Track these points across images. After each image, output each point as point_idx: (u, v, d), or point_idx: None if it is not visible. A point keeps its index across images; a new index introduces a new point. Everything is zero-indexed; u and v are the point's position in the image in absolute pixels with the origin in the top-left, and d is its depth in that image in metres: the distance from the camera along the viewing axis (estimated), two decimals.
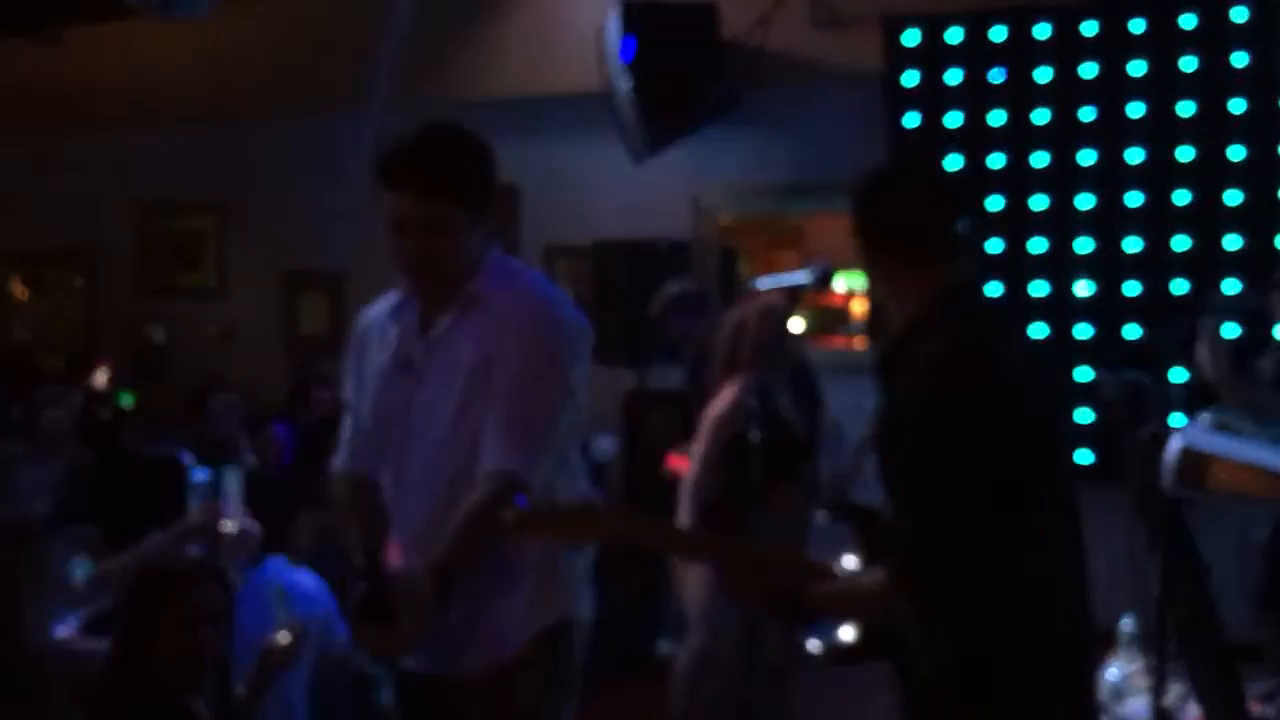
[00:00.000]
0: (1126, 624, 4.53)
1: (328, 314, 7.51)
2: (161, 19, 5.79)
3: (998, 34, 5.34)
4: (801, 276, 3.07)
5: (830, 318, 6.54)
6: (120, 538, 3.44)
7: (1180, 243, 5.07)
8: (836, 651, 2.14)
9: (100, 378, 5.65)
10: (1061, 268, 5.25)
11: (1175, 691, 4.16)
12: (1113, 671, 3.96)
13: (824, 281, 3.03)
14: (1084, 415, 5.13)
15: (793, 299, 3.10)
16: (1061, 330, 5.24)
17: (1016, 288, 5.30)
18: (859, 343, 6.52)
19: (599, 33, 5.65)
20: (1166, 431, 3.81)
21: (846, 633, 2.12)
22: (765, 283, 3.33)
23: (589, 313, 2.48)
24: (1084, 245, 5.22)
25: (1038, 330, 5.26)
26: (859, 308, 6.55)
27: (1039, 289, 5.30)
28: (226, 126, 7.43)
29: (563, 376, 2.31)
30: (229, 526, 3.20)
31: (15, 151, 7.85)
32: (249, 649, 2.91)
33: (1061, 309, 5.26)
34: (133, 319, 8.12)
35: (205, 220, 7.92)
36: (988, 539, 1.89)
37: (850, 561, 2.15)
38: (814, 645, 2.17)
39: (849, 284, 6.25)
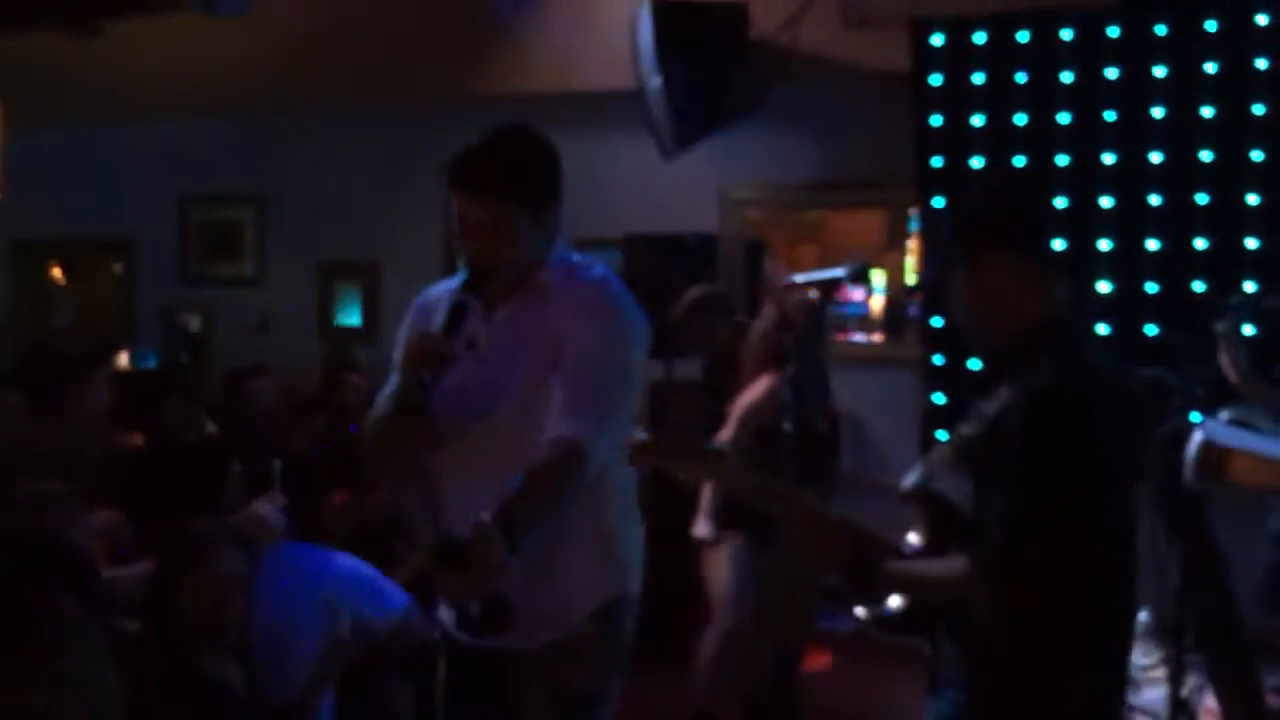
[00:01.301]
0: (1143, 616, 4.63)
1: (361, 303, 7.67)
2: (203, 14, 5.92)
3: (1022, 36, 5.42)
4: (838, 272, 3.19)
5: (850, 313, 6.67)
6: (154, 523, 3.49)
7: (1200, 243, 5.16)
8: (882, 620, 2.27)
9: (121, 361, 5.78)
10: (1082, 267, 5.34)
11: (1192, 682, 4.27)
12: (1130, 662, 4.05)
13: (859, 277, 3.16)
14: None
15: (827, 294, 3.22)
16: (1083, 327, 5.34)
17: None
18: (878, 338, 6.65)
19: (630, 30, 5.76)
20: (1187, 427, 3.92)
21: (894, 603, 2.26)
22: (801, 277, 3.45)
23: None
24: (1105, 245, 5.31)
25: None
26: (878, 305, 6.67)
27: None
28: (264, 120, 7.59)
29: (627, 359, 2.37)
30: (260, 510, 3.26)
31: (56, 141, 8.01)
32: (271, 633, 2.94)
33: (1083, 307, 5.34)
34: (171, 307, 8.30)
35: (243, 211, 8.09)
36: (1071, 542, 2.05)
37: (914, 540, 2.30)
38: (861, 612, 2.30)
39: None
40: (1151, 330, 5.22)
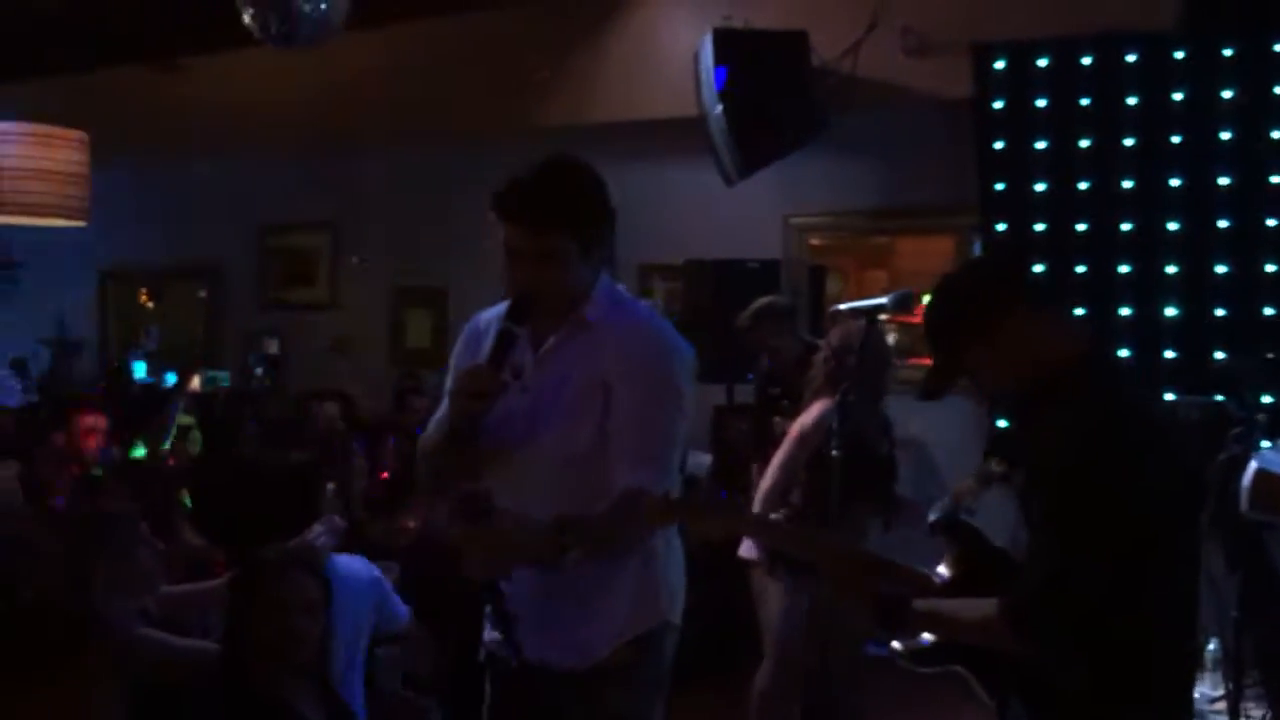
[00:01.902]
0: (1212, 646, 4.53)
1: (431, 328, 7.83)
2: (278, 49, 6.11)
3: (1086, 60, 5.39)
4: (880, 301, 3.21)
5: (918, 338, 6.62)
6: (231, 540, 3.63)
7: (1270, 267, 5.08)
8: (917, 653, 2.27)
9: (194, 382, 6.01)
10: (1148, 291, 5.28)
11: (1260, 715, 4.18)
12: (1196, 694, 3.98)
13: (903, 306, 3.17)
14: None
15: (871, 322, 3.24)
16: (1147, 353, 5.27)
17: (1103, 311, 5.35)
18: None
19: (692, 60, 5.84)
20: (1245, 456, 3.85)
21: (927, 637, 2.25)
22: (847, 306, 3.48)
23: (680, 329, 2.58)
24: (1171, 269, 5.24)
25: (1124, 352, 5.30)
26: None
27: (1125, 312, 5.33)
28: (338, 150, 7.81)
29: (682, 399, 2.40)
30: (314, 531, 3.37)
31: (140, 172, 8.32)
32: (339, 648, 2.97)
33: (1148, 332, 5.28)
34: (251, 330, 8.56)
35: (319, 238, 8.32)
36: (1111, 594, 1.99)
37: (944, 570, 2.29)
38: (896, 645, 2.30)
39: None
40: (1218, 357, 5.13)
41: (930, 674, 2.29)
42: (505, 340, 2.37)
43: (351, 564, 3.37)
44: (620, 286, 2.54)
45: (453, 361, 2.58)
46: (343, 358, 7.93)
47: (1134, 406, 2.15)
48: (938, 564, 2.33)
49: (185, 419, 5.31)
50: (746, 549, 4.07)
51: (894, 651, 2.31)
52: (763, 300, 4.94)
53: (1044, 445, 2.10)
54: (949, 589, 2.25)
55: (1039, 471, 2.09)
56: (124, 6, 6.72)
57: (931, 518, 2.38)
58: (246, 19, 5.24)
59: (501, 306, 2.49)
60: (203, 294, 8.93)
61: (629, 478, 2.29)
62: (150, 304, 9.25)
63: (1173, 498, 2.08)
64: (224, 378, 6.02)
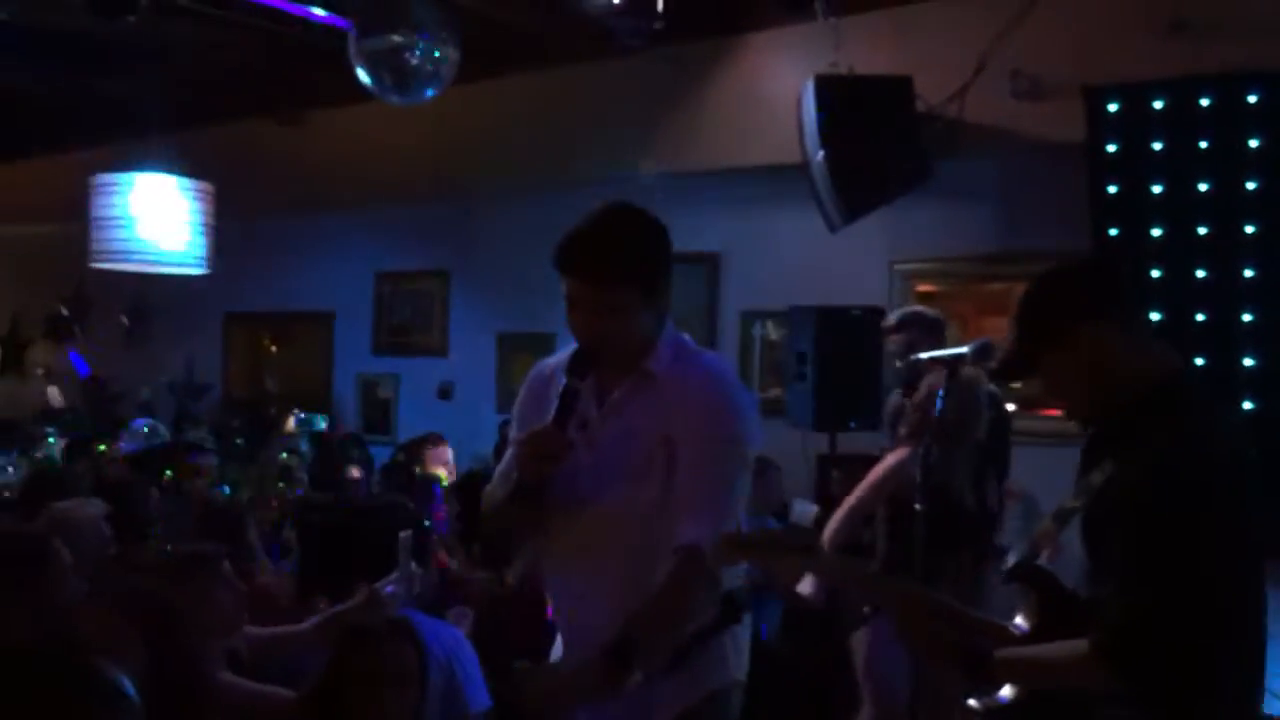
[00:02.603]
0: None
1: None
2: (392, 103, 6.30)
3: (1204, 100, 5.20)
4: (961, 350, 3.14)
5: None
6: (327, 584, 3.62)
7: None
8: (995, 712, 2.19)
9: (289, 424, 6.18)
10: (1272, 340, 5.04)
11: None
12: None
13: (983, 355, 3.10)
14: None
15: (953, 371, 3.16)
16: (1273, 405, 5.01)
17: (1225, 360, 5.11)
18: (1056, 413, 6.39)
19: (796, 105, 5.82)
20: None
21: (1006, 693, 2.17)
22: (927, 355, 3.40)
23: (783, 376, 2.54)
24: None
25: (1248, 405, 5.06)
26: None
27: (1249, 363, 5.09)
28: (450, 199, 7.99)
29: (744, 452, 2.39)
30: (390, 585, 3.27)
31: (264, 222, 8.65)
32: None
33: (1270, 384, 5.03)
34: (365, 373, 8.77)
35: (432, 284, 8.50)
36: (1194, 621, 1.95)
37: (1021, 624, 2.21)
38: (973, 704, 2.23)
39: None
40: None
41: None
42: (570, 398, 2.36)
43: (439, 632, 3.27)
44: (685, 336, 2.51)
45: (516, 411, 2.59)
46: (451, 403, 8.07)
47: (1223, 433, 2.09)
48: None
49: (291, 460, 5.44)
50: (804, 586, 3.95)
51: (971, 712, 2.22)
52: (912, 307, 4.76)
53: (1113, 475, 2.04)
54: (1028, 639, 2.17)
55: (1125, 501, 2.02)
56: (254, 62, 7.02)
57: (1008, 564, 2.30)
58: (361, 74, 5.42)
59: (564, 354, 2.49)
60: (322, 338, 9.19)
61: (686, 534, 2.25)
62: (273, 348, 9.58)
63: (1244, 538, 2.04)
64: (318, 420, 6.17)
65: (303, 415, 5.95)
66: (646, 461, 2.35)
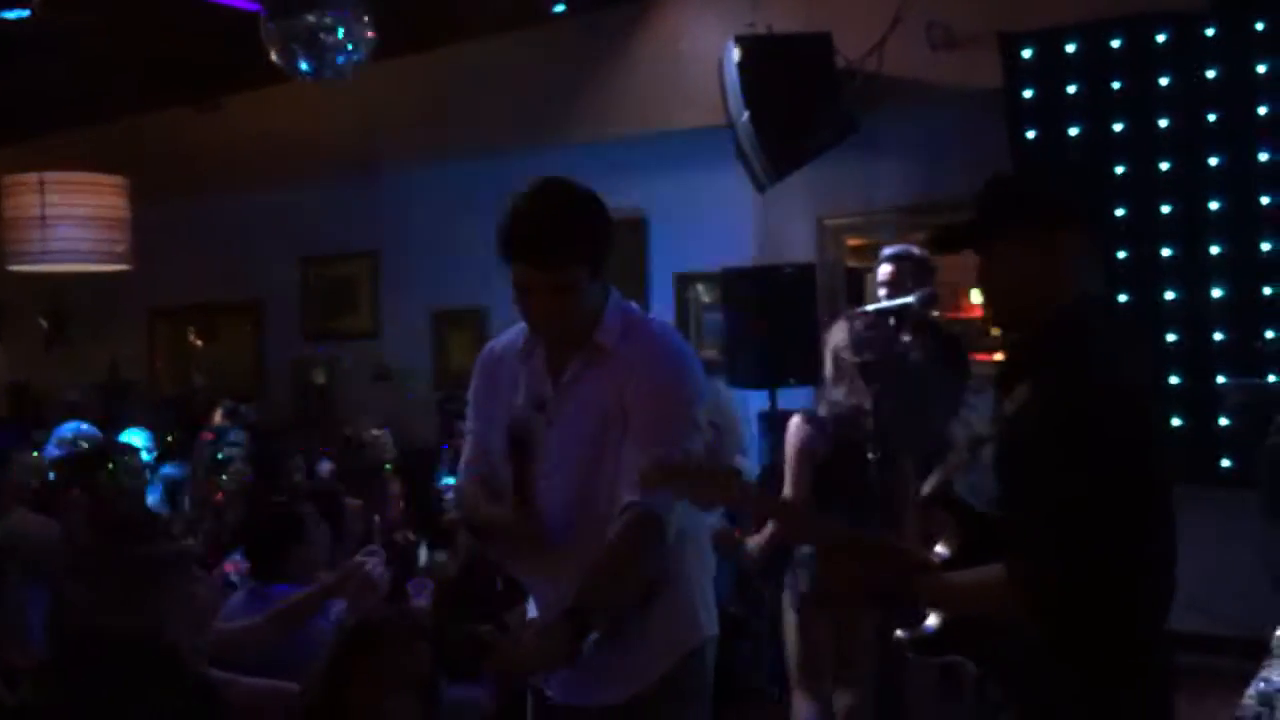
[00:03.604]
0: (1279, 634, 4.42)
1: (473, 348, 7.84)
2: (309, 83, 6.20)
3: (1115, 43, 5.32)
4: (907, 300, 3.19)
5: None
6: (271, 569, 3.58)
7: None
8: (921, 641, 2.25)
9: (217, 416, 6.10)
10: (1193, 274, 5.19)
11: None
12: (1266, 681, 3.89)
13: (927, 304, 3.15)
14: (1222, 421, 5.05)
15: (900, 320, 3.21)
16: (1196, 336, 5.17)
17: (1148, 295, 5.25)
18: (1000, 356, 6.50)
19: (717, 67, 5.83)
20: None
21: (931, 623, 2.23)
22: (873, 307, 3.45)
23: (720, 337, 2.54)
24: (1215, 249, 5.14)
25: (1171, 337, 5.21)
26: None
27: (1171, 295, 5.24)
28: (372, 177, 7.89)
29: (693, 416, 2.40)
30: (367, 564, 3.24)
31: (183, 211, 8.47)
32: None
33: (1195, 315, 5.18)
34: (297, 361, 8.66)
35: (360, 266, 8.40)
36: (1114, 550, 1.99)
37: (942, 550, 2.25)
38: (900, 634, 2.28)
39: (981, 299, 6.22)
40: (1268, 336, 5.02)
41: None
42: (521, 440, 2.39)
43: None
44: (631, 304, 2.53)
45: (470, 397, 2.59)
46: (388, 385, 7.99)
47: (1118, 364, 2.11)
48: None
49: (232, 450, 5.36)
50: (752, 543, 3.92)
51: (900, 642, 2.27)
52: (904, 245, 4.67)
53: (1026, 403, 2.07)
54: (949, 567, 2.21)
55: (1030, 431, 2.04)
56: (165, 49, 6.86)
57: (924, 491, 2.32)
58: (274, 56, 5.33)
59: (511, 334, 2.52)
60: (249, 329, 9.05)
61: (634, 492, 2.27)
62: (199, 342, 9.40)
63: (1159, 460, 2.07)
64: (248, 411, 6.06)
65: (230, 405, 5.85)
66: (604, 433, 2.37)
